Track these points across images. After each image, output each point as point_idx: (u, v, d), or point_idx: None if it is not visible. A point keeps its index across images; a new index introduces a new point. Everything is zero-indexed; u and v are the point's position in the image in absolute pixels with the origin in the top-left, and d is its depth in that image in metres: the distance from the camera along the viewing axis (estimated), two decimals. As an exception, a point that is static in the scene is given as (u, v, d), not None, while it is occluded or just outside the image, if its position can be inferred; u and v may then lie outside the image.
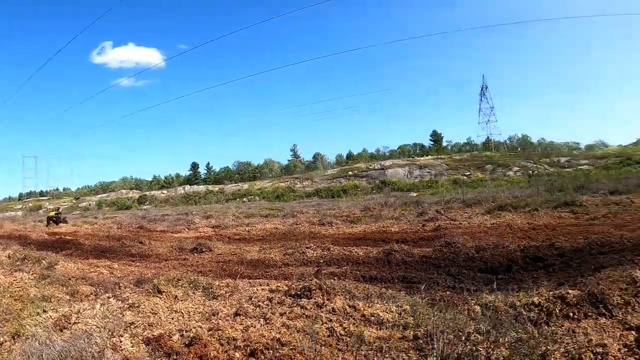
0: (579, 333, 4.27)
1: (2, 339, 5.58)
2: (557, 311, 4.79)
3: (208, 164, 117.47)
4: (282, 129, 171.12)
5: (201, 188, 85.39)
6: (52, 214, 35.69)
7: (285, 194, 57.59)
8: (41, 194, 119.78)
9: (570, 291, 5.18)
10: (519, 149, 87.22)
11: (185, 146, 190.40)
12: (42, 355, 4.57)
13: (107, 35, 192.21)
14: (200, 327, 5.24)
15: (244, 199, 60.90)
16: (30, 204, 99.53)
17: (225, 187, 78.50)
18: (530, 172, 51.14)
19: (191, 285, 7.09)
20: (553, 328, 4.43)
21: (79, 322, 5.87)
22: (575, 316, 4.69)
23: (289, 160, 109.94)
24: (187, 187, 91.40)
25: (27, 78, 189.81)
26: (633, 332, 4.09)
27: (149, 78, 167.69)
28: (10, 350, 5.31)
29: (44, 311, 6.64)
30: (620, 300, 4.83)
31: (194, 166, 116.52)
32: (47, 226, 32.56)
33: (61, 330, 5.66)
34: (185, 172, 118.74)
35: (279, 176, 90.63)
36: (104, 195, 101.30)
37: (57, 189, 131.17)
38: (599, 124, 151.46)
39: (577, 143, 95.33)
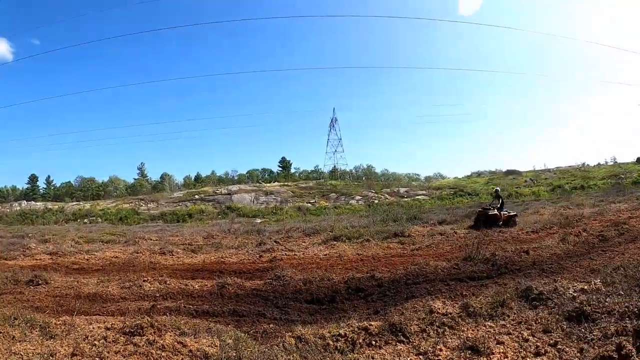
0: (377, 359, 5.10)
1: None
2: (361, 340, 5.60)
3: (48, 177, 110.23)
4: (130, 144, 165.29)
5: (39, 205, 80.00)
6: None
7: (129, 217, 55.82)
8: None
9: (372, 322, 6.06)
10: (363, 179, 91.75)
11: (24, 155, 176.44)
12: None
13: None
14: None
15: (85, 220, 58.17)
16: None
17: (66, 206, 74.20)
18: (371, 201, 53.80)
19: (28, 324, 7.11)
20: (356, 355, 5.21)
21: None
22: (377, 344, 5.52)
23: (135, 179, 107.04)
24: (24, 203, 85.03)
25: None
26: (421, 357, 5.00)
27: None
28: None
29: None
30: (417, 328, 5.79)
31: (33, 179, 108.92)
32: None
33: None
34: (22, 184, 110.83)
35: (124, 196, 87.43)
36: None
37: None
38: (441, 158, 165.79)
39: (418, 174, 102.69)
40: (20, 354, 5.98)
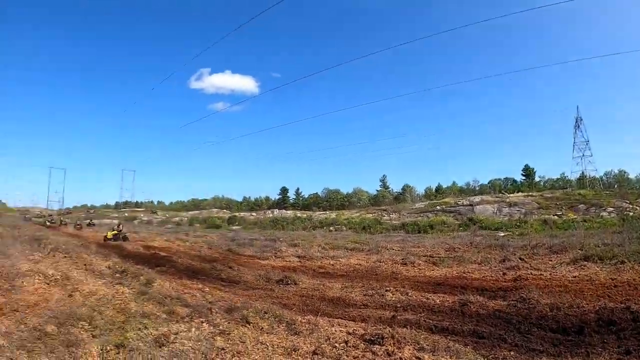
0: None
1: (108, 347, 6.36)
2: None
3: (297, 189, 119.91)
4: (373, 158, 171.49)
5: (289, 213, 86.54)
6: (110, 234, 33.85)
7: (372, 226, 56.97)
8: (136, 204, 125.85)
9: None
10: (615, 186, 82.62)
11: (276, 170, 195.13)
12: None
13: (206, 63, 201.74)
14: (281, 362, 5.78)
15: (331, 228, 60.98)
16: (125, 214, 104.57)
17: (313, 215, 79.14)
18: (625, 214, 47.81)
19: (276, 318, 7.65)
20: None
21: (176, 342, 6.56)
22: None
23: (377, 191, 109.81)
24: (276, 211, 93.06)
25: (133, 102, 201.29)
26: None
27: (243, 104, 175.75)
28: (115, 358, 6.03)
29: (145, 327, 7.39)
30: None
31: (284, 191, 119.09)
32: (105, 240, 31.96)
33: (160, 347, 6.34)
34: (274, 195, 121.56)
35: (367, 206, 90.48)
36: (195, 212, 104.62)
37: (152, 202, 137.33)
38: None
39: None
40: (266, 344, 6.44)
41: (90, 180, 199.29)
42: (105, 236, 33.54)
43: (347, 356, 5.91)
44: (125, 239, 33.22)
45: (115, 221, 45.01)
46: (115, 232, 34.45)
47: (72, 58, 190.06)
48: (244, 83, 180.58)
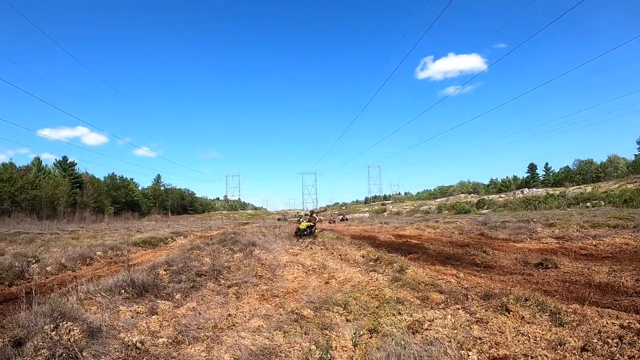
0: None
1: (361, 332, 6.33)
2: None
3: (546, 164, 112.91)
4: (627, 118, 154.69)
5: (540, 191, 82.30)
6: (304, 225, 26.39)
7: (635, 198, 51.38)
8: (384, 197, 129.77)
9: None
10: None
11: (521, 146, 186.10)
12: (399, 355, 5.04)
13: (426, 51, 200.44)
14: (546, 357, 5.15)
15: (587, 204, 56.71)
16: (375, 207, 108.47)
17: (566, 190, 74.07)
18: None
19: (538, 307, 6.95)
20: None
21: (430, 330, 6.28)
22: None
23: (636, 155, 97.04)
24: (525, 190, 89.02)
25: (367, 101, 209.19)
26: None
27: (474, 83, 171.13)
28: (368, 343, 5.97)
29: (399, 313, 7.26)
30: None
31: (532, 167, 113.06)
32: (296, 238, 24.31)
33: (414, 334, 6.12)
34: (522, 174, 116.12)
35: (626, 175, 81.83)
36: (442, 199, 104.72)
37: (399, 193, 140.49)
38: None
39: None
40: (528, 336, 5.84)
41: (340, 180, 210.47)
42: (298, 228, 26.53)
43: (622, 356, 5.03)
44: (313, 233, 26.18)
45: (307, 210, 38.17)
46: (311, 223, 27.05)
47: (310, 67, 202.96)
48: (470, 62, 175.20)
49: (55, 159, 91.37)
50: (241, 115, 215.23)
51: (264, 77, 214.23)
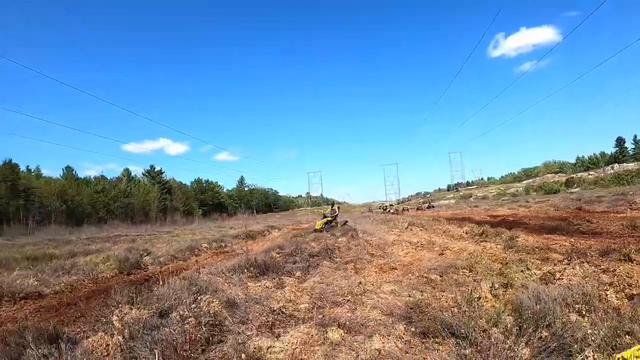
0: None
1: (496, 285, 6.70)
2: None
3: (635, 137, 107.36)
4: None
5: (631, 166, 78.96)
6: (321, 223, 23.68)
7: None
8: (468, 184, 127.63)
9: None
10: None
11: (606, 120, 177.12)
12: (538, 295, 5.36)
13: (497, 28, 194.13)
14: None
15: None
16: (460, 193, 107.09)
17: (661, 163, 70.89)
18: None
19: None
20: None
21: (562, 279, 6.56)
22: None
23: None
24: (616, 165, 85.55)
25: (445, 87, 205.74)
26: None
27: (550, 56, 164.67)
28: (505, 294, 6.35)
29: (527, 269, 7.55)
30: None
31: (619, 141, 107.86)
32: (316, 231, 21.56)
33: (546, 284, 6.38)
34: (609, 149, 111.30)
35: None
36: (528, 181, 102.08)
37: (482, 179, 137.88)
38: None
39: None
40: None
41: (421, 169, 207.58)
42: (315, 228, 23.23)
43: None
44: (335, 222, 24.05)
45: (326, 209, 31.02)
46: (330, 218, 24.30)
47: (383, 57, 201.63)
48: (543, 34, 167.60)
49: (144, 169, 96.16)
50: (318, 112, 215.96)
51: (339, 70, 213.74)
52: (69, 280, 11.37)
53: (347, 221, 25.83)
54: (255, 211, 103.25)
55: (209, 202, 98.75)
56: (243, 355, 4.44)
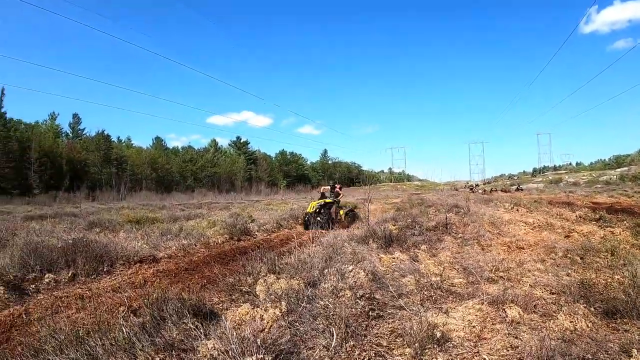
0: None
1: None
2: None
3: None
4: None
5: None
6: (314, 204, 17.45)
7: None
8: (555, 168, 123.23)
9: None
10: None
11: None
12: None
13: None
14: None
15: None
16: (549, 177, 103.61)
17: None
18: None
19: None
20: None
21: None
22: None
23: None
24: None
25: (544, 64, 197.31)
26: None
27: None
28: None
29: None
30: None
31: None
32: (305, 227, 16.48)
33: None
34: None
35: None
36: (623, 169, 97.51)
37: (570, 163, 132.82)
38: None
39: None
40: None
41: (506, 150, 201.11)
42: (306, 213, 17.67)
43: None
44: (347, 214, 17.72)
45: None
46: (329, 200, 17.86)
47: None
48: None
49: (230, 140, 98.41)
50: (403, 87, 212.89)
51: (425, 46, 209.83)
52: (180, 244, 11.54)
53: (354, 210, 19.54)
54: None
55: (292, 173, 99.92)
56: (421, 331, 4.27)
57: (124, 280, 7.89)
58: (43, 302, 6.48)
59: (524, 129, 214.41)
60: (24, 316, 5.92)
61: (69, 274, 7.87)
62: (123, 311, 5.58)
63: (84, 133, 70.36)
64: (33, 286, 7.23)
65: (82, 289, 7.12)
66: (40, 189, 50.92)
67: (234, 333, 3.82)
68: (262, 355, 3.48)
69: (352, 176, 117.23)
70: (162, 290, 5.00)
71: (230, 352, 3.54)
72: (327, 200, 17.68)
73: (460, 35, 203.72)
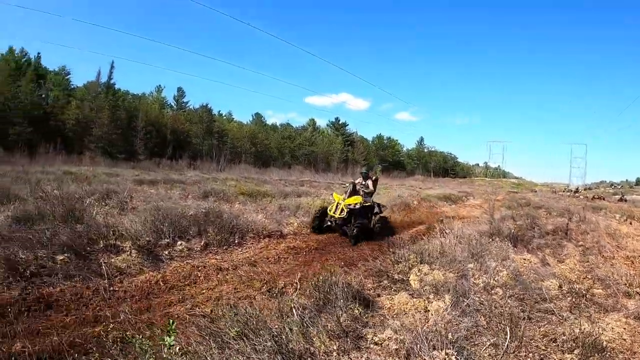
0: None
1: None
2: None
3: None
4: None
5: None
6: (332, 209, 11.82)
7: None
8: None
9: None
10: None
11: None
12: None
13: None
14: None
15: None
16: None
17: None
18: None
19: None
20: None
21: None
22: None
23: None
24: None
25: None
26: None
27: None
28: None
29: None
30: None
31: None
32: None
33: None
34: None
35: None
36: None
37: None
38: None
39: None
40: None
41: (610, 154, 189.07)
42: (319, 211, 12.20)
43: None
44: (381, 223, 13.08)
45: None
46: (357, 200, 11.95)
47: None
48: None
49: (329, 120, 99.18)
50: (506, 79, 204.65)
51: (540, 41, 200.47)
52: (300, 221, 11.67)
53: (382, 212, 13.54)
54: (432, 173, 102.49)
55: (388, 159, 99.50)
56: (580, 339, 4.14)
57: (256, 254, 8.10)
58: (179, 270, 6.70)
59: (632, 133, 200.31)
60: (161, 283, 6.12)
61: (202, 243, 8.12)
62: (269, 289, 5.73)
63: (187, 105, 73.46)
64: (166, 252, 7.50)
65: (216, 260, 7.35)
66: (144, 155, 53.37)
67: (396, 322, 3.81)
68: (450, 350, 3.42)
69: (447, 167, 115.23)
70: (329, 272, 5.04)
71: (406, 343, 3.52)
72: (366, 202, 12.22)
73: (578, 29, 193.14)
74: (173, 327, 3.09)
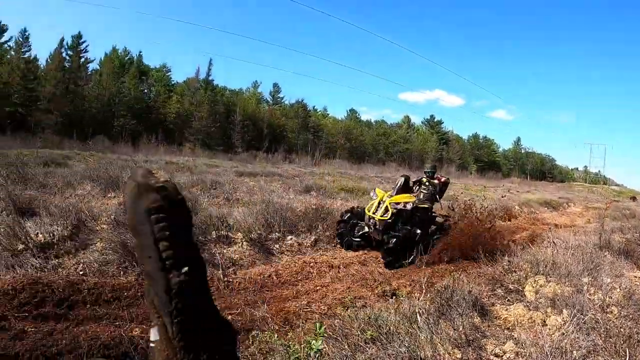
0: None
1: None
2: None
3: None
4: None
5: None
6: (372, 210, 8.67)
7: None
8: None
9: None
10: None
11: None
12: None
13: None
14: None
15: None
16: None
17: None
18: None
19: None
20: None
21: None
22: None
23: None
24: None
25: None
26: None
27: None
28: None
29: None
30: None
31: None
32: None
33: None
34: None
35: None
36: None
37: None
38: None
39: None
40: None
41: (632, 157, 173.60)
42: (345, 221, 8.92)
43: None
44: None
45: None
46: (407, 198, 8.88)
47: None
48: None
49: (423, 118, 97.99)
50: (609, 75, 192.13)
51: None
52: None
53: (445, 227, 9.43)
54: (528, 176, 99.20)
55: (484, 159, 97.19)
56: None
57: (365, 253, 8.04)
58: (291, 264, 6.80)
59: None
60: (274, 277, 6.20)
61: (312, 239, 8.16)
62: (384, 290, 5.66)
63: (282, 101, 75.14)
64: (277, 246, 7.62)
65: (327, 256, 7.38)
66: (242, 147, 54.85)
67: (521, 335, 3.68)
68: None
69: (545, 170, 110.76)
70: (451, 277, 4.97)
71: (529, 358, 3.39)
72: (422, 204, 9.23)
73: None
74: (321, 330, 3.03)
